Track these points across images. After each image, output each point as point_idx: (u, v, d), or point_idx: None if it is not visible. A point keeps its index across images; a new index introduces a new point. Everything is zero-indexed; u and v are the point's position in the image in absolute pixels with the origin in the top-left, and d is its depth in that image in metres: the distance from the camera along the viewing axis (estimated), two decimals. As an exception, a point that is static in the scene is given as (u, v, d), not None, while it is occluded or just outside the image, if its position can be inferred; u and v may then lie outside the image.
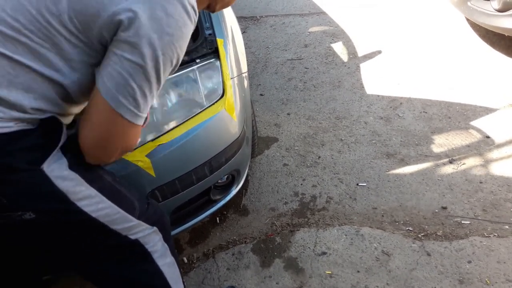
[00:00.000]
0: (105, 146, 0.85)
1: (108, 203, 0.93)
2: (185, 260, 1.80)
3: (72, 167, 0.86)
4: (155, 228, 1.07)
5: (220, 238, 1.90)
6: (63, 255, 1.03)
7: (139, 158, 1.28)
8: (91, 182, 0.89)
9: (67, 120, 0.95)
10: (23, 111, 0.79)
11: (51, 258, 1.07)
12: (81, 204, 0.87)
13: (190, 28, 0.83)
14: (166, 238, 1.12)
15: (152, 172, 1.31)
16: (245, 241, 1.86)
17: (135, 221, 1.00)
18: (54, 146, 0.83)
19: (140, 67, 0.77)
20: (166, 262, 1.12)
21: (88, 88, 0.86)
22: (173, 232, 1.58)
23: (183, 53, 0.84)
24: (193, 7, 0.82)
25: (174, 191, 1.42)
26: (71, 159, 0.87)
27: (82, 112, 1.00)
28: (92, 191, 0.89)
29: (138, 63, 0.77)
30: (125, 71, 0.77)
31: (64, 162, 0.85)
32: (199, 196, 1.58)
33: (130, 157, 1.28)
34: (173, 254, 1.15)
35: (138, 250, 1.04)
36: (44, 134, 0.83)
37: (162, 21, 0.77)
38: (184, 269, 1.76)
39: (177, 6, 0.79)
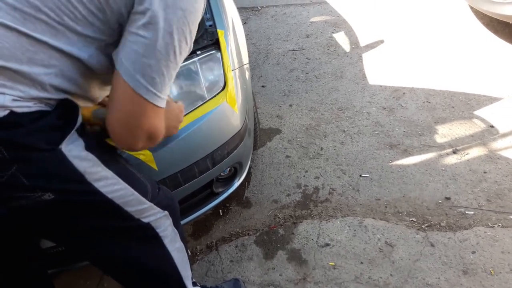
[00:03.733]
0: (130, 128, 0.85)
1: (124, 184, 0.94)
2: (189, 252, 1.80)
3: (89, 148, 0.87)
4: (166, 212, 1.08)
5: (223, 230, 1.90)
6: (76, 239, 1.03)
7: (141, 152, 1.28)
8: (107, 163, 0.91)
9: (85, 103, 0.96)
10: (43, 88, 0.81)
11: (64, 242, 1.08)
12: (98, 185, 0.88)
13: (201, 4, 0.83)
14: (176, 223, 1.13)
15: (154, 166, 1.31)
16: (248, 233, 1.86)
17: (147, 204, 1.01)
18: (71, 127, 0.84)
19: (155, 44, 0.78)
20: (175, 247, 1.13)
21: (106, 66, 0.87)
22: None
23: (195, 30, 0.84)
24: None
25: (176, 184, 1.42)
26: (88, 140, 0.88)
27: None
28: (109, 172, 0.90)
29: (153, 39, 0.78)
30: (142, 48, 0.78)
31: (81, 143, 0.86)
32: (202, 189, 1.58)
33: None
34: (182, 239, 1.16)
35: (149, 234, 1.05)
36: (61, 116, 0.84)
37: None
38: (188, 257, 1.76)
39: None
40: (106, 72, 0.90)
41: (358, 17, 3.58)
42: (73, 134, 0.85)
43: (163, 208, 1.07)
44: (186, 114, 1.38)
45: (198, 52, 1.45)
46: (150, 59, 0.79)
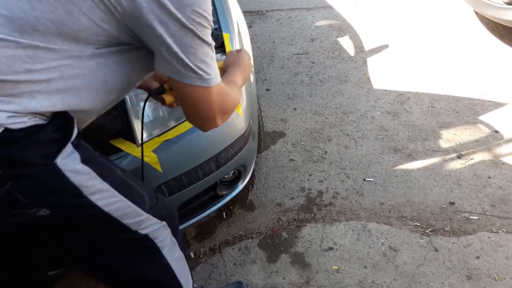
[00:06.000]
0: (201, 115, 0.90)
1: (120, 197, 0.93)
2: (192, 255, 1.80)
3: (84, 161, 0.86)
4: (164, 222, 1.07)
5: (227, 233, 1.90)
6: (74, 251, 1.03)
7: (146, 153, 1.28)
8: (103, 176, 0.89)
9: (86, 120, 0.95)
10: (40, 99, 0.79)
11: (62, 253, 1.08)
12: (94, 198, 0.87)
13: None
14: (175, 232, 1.12)
15: (158, 167, 1.31)
16: (252, 236, 1.86)
17: (145, 215, 1.00)
18: (66, 141, 0.83)
19: (184, 41, 0.80)
20: (174, 257, 1.12)
21: (112, 71, 0.86)
22: (180, 227, 1.58)
23: (209, 9, 0.85)
24: None
25: (180, 186, 1.42)
26: (83, 153, 0.87)
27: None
28: (105, 185, 0.90)
29: (179, 38, 0.79)
30: (170, 48, 0.79)
31: (76, 156, 0.85)
32: (206, 191, 1.58)
33: (137, 152, 1.28)
34: (181, 248, 1.16)
35: (148, 245, 1.05)
36: (56, 129, 0.83)
37: None
38: (191, 264, 1.75)
39: None
40: (111, 78, 0.88)
41: (363, 21, 3.59)
42: (68, 147, 0.84)
43: (161, 219, 1.06)
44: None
45: (204, 55, 1.45)
46: (182, 54, 0.80)
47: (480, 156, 2.14)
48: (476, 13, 3.38)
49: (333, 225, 1.87)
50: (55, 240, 0.97)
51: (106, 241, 1.00)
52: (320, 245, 1.78)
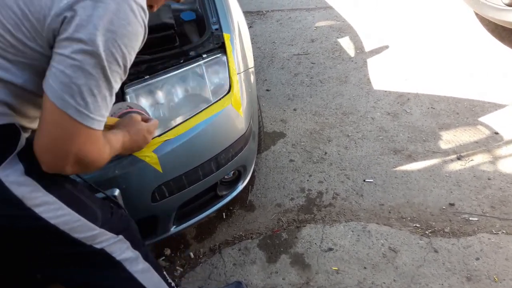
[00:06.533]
0: (55, 149, 0.81)
1: (68, 210, 0.91)
2: (192, 255, 1.80)
3: (28, 173, 0.84)
4: (120, 236, 1.04)
5: (227, 233, 1.90)
6: (33, 265, 1.02)
7: (146, 153, 1.28)
8: (48, 188, 0.88)
9: (34, 125, 0.93)
10: None
11: (23, 265, 1.06)
12: (39, 210, 0.86)
13: (136, 27, 0.81)
14: (136, 244, 1.10)
15: (159, 168, 1.31)
16: (251, 237, 1.86)
17: (98, 230, 0.98)
18: (10, 152, 0.82)
19: (82, 64, 0.76)
20: (138, 269, 1.10)
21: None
22: (180, 227, 1.59)
23: (133, 53, 0.82)
24: (140, 6, 0.81)
25: (180, 186, 1.42)
26: (29, 165, 0.85)
27: None
28: (50, 197, 0.88)
29: (80, 60, 0.76)
30: (68, 69, 0.76)
31: (19, 168, 0.84)
32: (206, 192, 1.58)
33: (137, 152, 1.27)
34: (146, 259, 1.12)
35: (104, 259, 1.02)
36: (0, 140, 0.82)
37: (104, 18, 0.76)
38: (191, 264, 1.77)
39: (121, 4, 0.77)
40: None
41: (363, 22, 3.59)
42: (13, 159, 0.82)
43: (117, 233, 1.03)
44: (191, 117, 1.39)
45: (204, 56, 1.45)
46: (77, 79, 0.76)
47: (480, 158, 2.14)
48: (476, 14, 3.38)
49: (333, 226, 1.87)
50: (9, 251, 0.96)
51: (60, 255, 0.98)
52: (320, 245, 1.78)
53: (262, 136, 2.11)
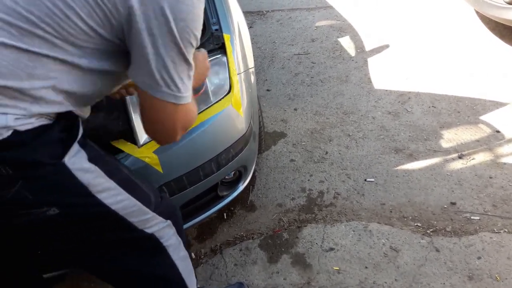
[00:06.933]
0: (164, 130, 0.89)
1: (126, 195, 0.94)
2: (193, 255, 1.80)
3: (91, 159, 0.87)
4: (169, 221, 1.07)
5: (228, 234, 1.90)
6: (80, 250, 1.03)
7: (147, 154, 1.28)
8: (110, 174, 0.91)
9: (86, 111, 0.96)
10: (43, 103, 0.80)
11: (67, 253, 1.07)
12: (101, 196, 0.89)
13: (201, 7, 0.83)
14: (180, 231, 1.13)
15: (159, 168, 1.31)
16: (253, 237, 1.86)
17: (151, 214, 1.01)
18: (73, 140, 0.85)
19: (162, 54, 0.79)
20: (180, 256, 1.13)
21: (108, 68, 0.87)
22: (181, 228, 1.59)
23: (200, 31, 0.85)
24: None
25: (181, 187, 1.42)
26: (90, 152, 0.88)
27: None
28: (112, 183, 0.91)
29: (160, 51, 0.79)
30: (151, 59, 0.79)
31: (83, 155, 0.86)
32: (207, 192, 1.58)
33: (138, 153, 1.28)
34: (186, 247, 1.16)
35: (153, 244, 1.05)
36: (63, 128, 0.84)
37: (174, 8, 0.77)
38: (192, 265, 1.77)
39: None
40: (108, 73, 0.90)
41: (363, 21, 3.58)
42: (75, 146, 0.85)
43: (166, 218, 1.06)
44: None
45: (204, 56, 1.45)
46: (162, 68, 0.80)
47: (481, 156, 2.14)
48: (477, 12, 3.38)
49: (334, 225, 1.86)
50: (61, 239, 0.97)
51: (112, 240, 1.00)
52: (321, 245, 1.78)
53: (262, 136, 2.11)
